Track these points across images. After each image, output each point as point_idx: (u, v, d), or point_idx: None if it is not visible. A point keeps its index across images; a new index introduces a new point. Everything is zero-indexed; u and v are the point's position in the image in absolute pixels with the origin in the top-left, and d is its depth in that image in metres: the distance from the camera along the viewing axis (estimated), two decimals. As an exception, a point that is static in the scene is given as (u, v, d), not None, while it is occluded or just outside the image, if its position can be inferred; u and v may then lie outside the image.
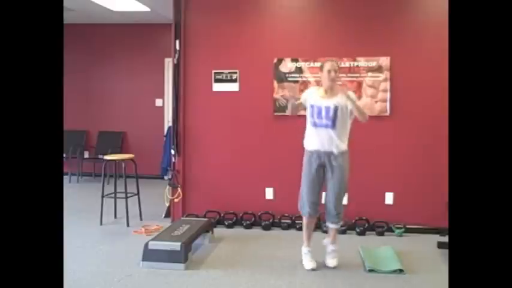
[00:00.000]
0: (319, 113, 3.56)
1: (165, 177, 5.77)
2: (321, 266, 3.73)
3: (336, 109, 3.55)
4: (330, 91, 3.62)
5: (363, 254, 3.96)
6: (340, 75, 4.80)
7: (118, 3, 6.43)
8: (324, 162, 3.62)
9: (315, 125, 3.60)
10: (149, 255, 3.69)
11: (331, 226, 3.78)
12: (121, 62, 8.09)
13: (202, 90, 5.08)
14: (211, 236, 4.44)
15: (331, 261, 3.76)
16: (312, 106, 3.61)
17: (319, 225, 4.48)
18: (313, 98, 3.66)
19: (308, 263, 3.69)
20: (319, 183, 3.68)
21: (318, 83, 4.80)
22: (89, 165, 7.92)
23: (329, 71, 3.56)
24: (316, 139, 3.60)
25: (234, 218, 4.99)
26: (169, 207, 5.23)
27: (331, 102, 3.57)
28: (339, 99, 3.59)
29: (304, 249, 3.78)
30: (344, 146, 3.61)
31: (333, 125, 3.55)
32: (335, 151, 3.57)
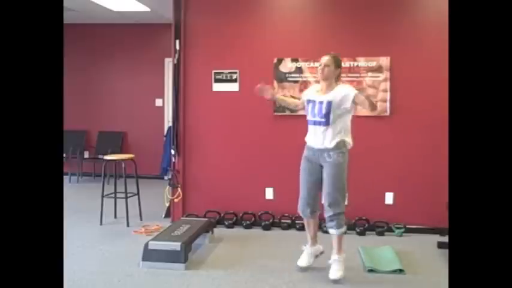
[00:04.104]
0: (313, 109, 3.50)
1: (165, 177, 5.76)
2: (318, 267, 3.69)
3: (329, 104, 3.41)
4: (327, 86, 3.50)
5: (363, 254, 3.96)
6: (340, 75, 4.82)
7: (118, 3, 6.43)
8: (319, 160, 3.52)
9: (311, 122, 3.55)
10: (149, 255, 3.69)
11: (330, 231, 3.56)
12: (121, 62, 8.08)
13: (202, 90, 5.08)
14: (211, 236, 4.44)
15: (332, 273, 3.46)
16: (308, 101, 3.57)
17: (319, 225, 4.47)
18: (310, 93, 3.64)
19: (301, 260, 3.65)
20: (315, 181, 3.55)
21: (318, 83, 4.82)
22: (89, 165, 7.92)
23: (321, 65, 3.50)
24: (313, 136, 3.54)
25: (234, 218, 4.99)
26: (169, 207, 5.23)
27: (325, 97, 3.45)
28: (335, 94, 3.43)
29: (304, 247, 3.74)
30: (339, 142, 3.44)
31: (327, 121, 3.43)
32: (329, 147, 3.44)
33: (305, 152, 3.64)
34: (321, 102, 3.47)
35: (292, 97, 4.39)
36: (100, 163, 5.76)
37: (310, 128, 3.58)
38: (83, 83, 8.10)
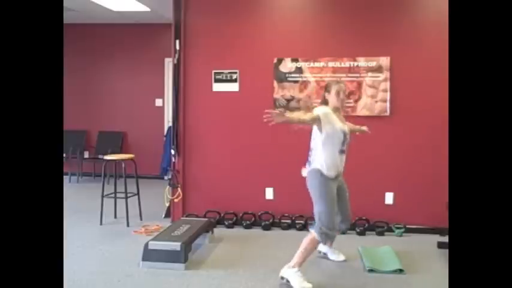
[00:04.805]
0: (344, 140, 3.45)
1: (165, 177, 5.77)
2: (317, 272, 3.70)
3: (348, 135, 3.53)
4: (339, 113, 3.54)
5: (363, 254, 3.96)
6: (340, 75, 4.83)
7: (118, 3, 6.43)
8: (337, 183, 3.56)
9: (339, 152, 3.44)
10: (149, 255, 3.69)
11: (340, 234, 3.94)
12: (121, 62, 8.09)
13: (202, 90, 5.08)
14: (211, 236, 4.44)
15: (340, 256, 3.89)
16: (344, 133, 3.45)
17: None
18: (339, 123, 3.45)
19: (307, 283, 3.32)
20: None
21: (318, 83, 4.82)
22: (89, 165, 7.92)
23: (338, 92, 3.46)
24: (335, 166, 3.46)
25: (234, 218, 4.99)
26: (169, 207, 5.23)
27: (346, 128, 3.52)
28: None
29: (299, 271, 3.39)
30: None
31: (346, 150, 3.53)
32: (342, 171, 3.56)
33: (329, 180, 3.45)
34: (347, 133, 3.50)
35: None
36: (100, 163, 5.76)
37: (334, 158, 3.43)
38: (83, 83, 8.11)
